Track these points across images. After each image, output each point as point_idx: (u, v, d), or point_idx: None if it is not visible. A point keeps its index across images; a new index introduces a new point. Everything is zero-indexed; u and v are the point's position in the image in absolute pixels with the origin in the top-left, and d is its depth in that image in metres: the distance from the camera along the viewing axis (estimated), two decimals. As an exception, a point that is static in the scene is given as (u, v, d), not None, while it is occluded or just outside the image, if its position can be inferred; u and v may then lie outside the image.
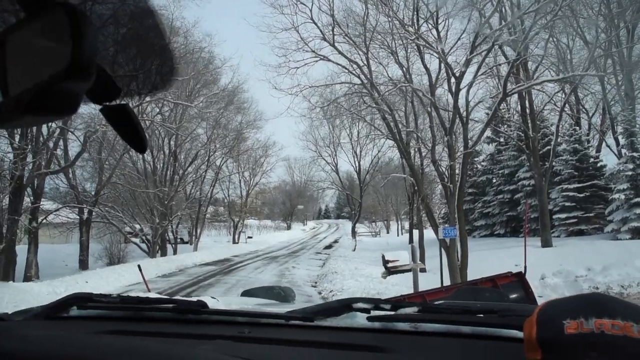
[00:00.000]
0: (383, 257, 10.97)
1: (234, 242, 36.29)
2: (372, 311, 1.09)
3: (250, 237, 42.92)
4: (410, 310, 1.10)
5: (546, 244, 16.30)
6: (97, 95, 0.58)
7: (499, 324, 0.97)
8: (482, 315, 1.05)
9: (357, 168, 34.77)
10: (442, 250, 10.02)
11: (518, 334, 0.83)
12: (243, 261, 21.03)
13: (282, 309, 1.29)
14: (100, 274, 14.70)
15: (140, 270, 6.70)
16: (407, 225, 54.54)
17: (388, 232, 56.42)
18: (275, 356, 0.92)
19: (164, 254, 24.86)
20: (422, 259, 18.22)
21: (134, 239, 24.75)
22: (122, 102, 0.61)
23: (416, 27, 9.84)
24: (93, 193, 21.27)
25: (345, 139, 32.43)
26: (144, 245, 24.22)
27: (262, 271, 16.64)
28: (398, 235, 47.71)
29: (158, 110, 23.22)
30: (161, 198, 24.01)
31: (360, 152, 34.23)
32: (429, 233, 29.28)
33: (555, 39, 15.17)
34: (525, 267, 7.47)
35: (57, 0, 0.49)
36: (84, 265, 19.80)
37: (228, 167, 34.02)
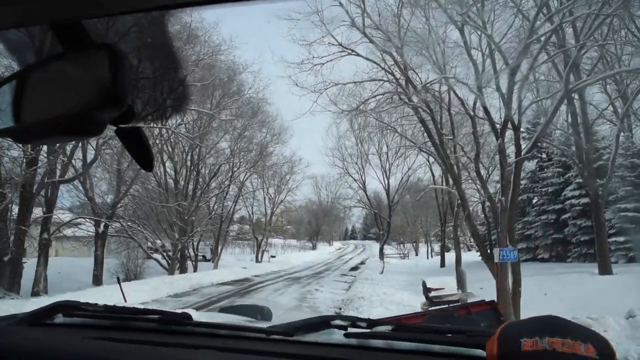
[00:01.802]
0: (424, 284, 9.09)
1: (257, 261, 35.20)
2: (349, 328, 1.13)
3: (274, 257, 41.80)
4: (385, 328, 1.13)
5: (605, 270, 14.29)
6: (115, 118, 0.62)
7: (466, 343, 1.01)
8: (450, 335, 1.09)
9: (386, 186, 33.14)
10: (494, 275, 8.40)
11: (483, 352, 0.86)
12: (263, 282, 19.66)
13: (263, 324, 1.35)
14: (106, 290, 13.58)
15: (118, 281, 6.70)
16: (437, 247, 52.84)
17: (417, 254, 54.66)
18: None
19: (183, 271, 23.86)
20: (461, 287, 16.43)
21: (155, 255, 23.87)
22: (136, 125, 0.66)
23: (461, 8, 8.41)
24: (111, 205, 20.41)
25: (373, 153, 30.92)
26: (165, 262, 23.25)
27: (282, 293, 15.21)
28: (428, 258, 45.78)
29: (180, 120, 22.46)
30: (181, 213, 23.09)
31: (390, 168, 32.68)
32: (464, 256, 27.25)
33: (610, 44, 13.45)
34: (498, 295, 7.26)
35: (98, 42, 0.58)
36: (97, 280, 18.84)
37: (252, 183, 33.10)
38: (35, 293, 15.78)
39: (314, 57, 10.42)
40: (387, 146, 30.31)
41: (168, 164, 24.52)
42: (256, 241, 37.44)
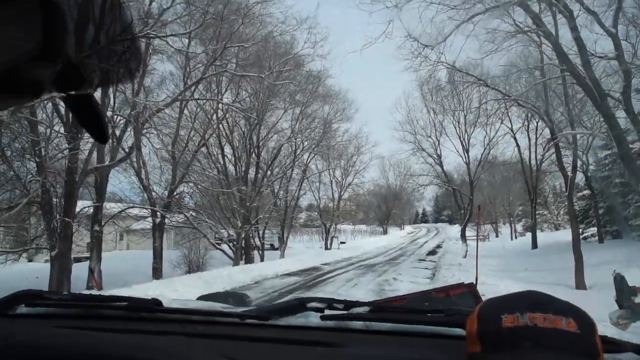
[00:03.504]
0: (621, 279, 6.11)
1: (326, 248, 33.37)
2: (325, 310, 1.10)
3: (344, 243, 39.88)
4: (362, 309, 1.10)
5: None
6: (61, 83, 0.56)
7: (445, 323, 1.00)
8: (429, 314, 1.08)
9: (466, 159, 29.58)
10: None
11: (462, 332, 0.85)
12: (333, 270, 17.47)
13: (238, 309, 1.28)
14: (155, 284, 11.99)
15: (92, 272, 6.73)
16: (519, 227, 48.24)
17: (497, 236, 50.45)
18: (228, 351, 0.93)
19: (249, 261, 22.38)
20: (581, 274, 13.21)
21: (223, 246, 22.56)
22: (87, 92, 0.60)
23: None
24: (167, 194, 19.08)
25: (450, 112, 27.33)
26: (231, 252, 21.84)
27: (355, 284, 12.89)
28: (512, 239, 41.50)
29: (234, 97, 20.74)
30: (243, 199, 21.47)
31: (469, 139, 29.08)
32: (548, 236, 23.19)
33: None
34: (476, 278, 6.67)
35: None
36: (157, 273, 17.61)
37: (317, 166, 31.02)
38: (90, 288, 14.76)
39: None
40: (465, 115, 26.67)
41: (227, 148, 23.08)
42: (324, 227, 35.67)
